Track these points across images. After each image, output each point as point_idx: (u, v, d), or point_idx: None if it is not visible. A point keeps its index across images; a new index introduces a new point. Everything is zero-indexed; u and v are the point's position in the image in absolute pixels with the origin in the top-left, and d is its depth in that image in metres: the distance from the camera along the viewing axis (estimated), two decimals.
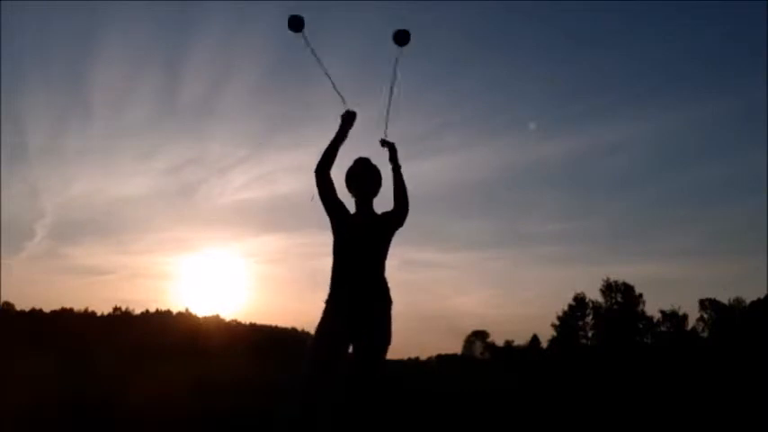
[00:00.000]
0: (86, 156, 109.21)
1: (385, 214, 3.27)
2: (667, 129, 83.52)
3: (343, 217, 3.20)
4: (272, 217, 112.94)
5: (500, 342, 69.62)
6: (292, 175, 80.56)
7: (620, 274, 70.13)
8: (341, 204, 3.22)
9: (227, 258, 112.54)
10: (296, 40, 3.37)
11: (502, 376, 26.65)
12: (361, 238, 3.15)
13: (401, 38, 3.39)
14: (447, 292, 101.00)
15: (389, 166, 3.39)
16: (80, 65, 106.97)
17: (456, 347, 76.72)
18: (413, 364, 66.10)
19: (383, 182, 3.32)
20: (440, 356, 73.05)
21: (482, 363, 59.64)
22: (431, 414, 8.05)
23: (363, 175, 3.26)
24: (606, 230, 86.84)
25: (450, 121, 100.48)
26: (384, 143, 3.41)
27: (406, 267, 70.91)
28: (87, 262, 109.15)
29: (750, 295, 52.20)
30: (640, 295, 53.07)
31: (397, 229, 3.26)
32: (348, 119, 3.29)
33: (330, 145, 3.23)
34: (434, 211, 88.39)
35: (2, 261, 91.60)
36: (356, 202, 3.28)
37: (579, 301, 54.56)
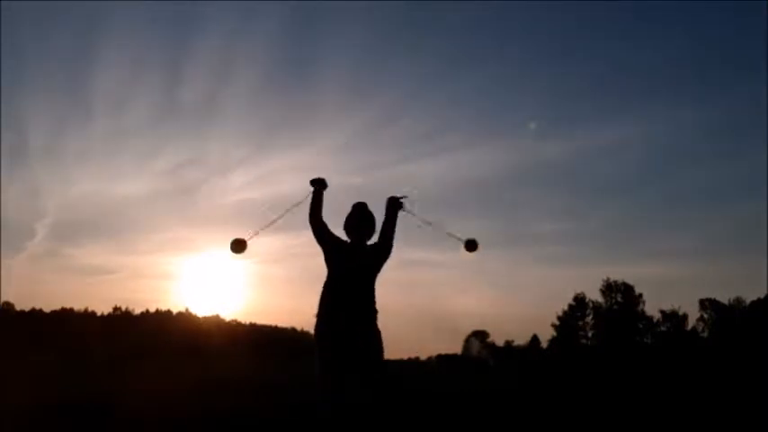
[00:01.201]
0: (87, 156, 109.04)
1: (373, 244, 3.76)
2: (667, 129, 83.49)
3: (339, 245, 3.70)
4: (272, 217, 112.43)
5: (500, 342, 69.63)
6: (293, 175, 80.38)
7: (620, 274, 69.93)
8: (335, 239, 3.73)
9: (227, 258, 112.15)
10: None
11: (502, 376, 26.68)
12: (353, 261, 3.64)
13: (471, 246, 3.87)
14: (447, 292, 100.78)
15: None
16: (81, 65, 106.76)
17: (456, 347, 76.72)
18: (413, 364, 66.16)
19: (377, 224, 3.81)
20: (440, 356, 72.95)
21: (482, 363, 59.60)
22: (431, 414, 8.05)
23: (359, 224, 3.77)
24: (606, 230, 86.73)
25: (451, 121, 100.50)
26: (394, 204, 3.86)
27: (406, 267, 70.78)
28: (88, 262, 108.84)
29: (750, 295, 52.03)
30: (640, 295, 53.09)
31: (384, 259, 3.70)
32: (318, 185, 3.79)
33: (311, 206, 3.76)
34: (435, 211, 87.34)
35: (2, 261, 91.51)
36: (352, 241, 3.77)
37: (579, 301, 54.54)
